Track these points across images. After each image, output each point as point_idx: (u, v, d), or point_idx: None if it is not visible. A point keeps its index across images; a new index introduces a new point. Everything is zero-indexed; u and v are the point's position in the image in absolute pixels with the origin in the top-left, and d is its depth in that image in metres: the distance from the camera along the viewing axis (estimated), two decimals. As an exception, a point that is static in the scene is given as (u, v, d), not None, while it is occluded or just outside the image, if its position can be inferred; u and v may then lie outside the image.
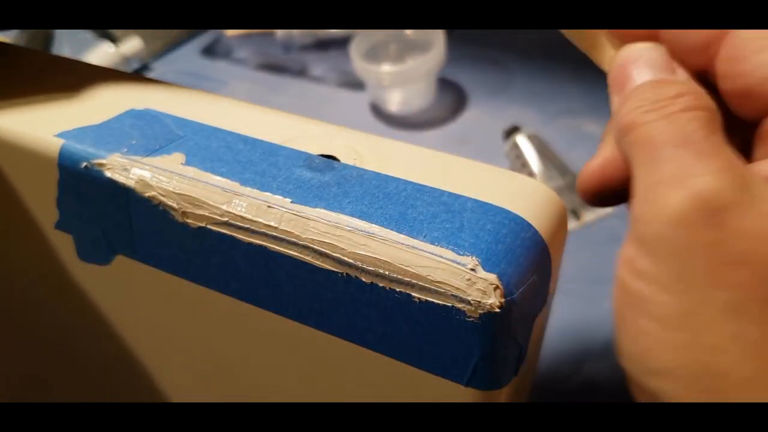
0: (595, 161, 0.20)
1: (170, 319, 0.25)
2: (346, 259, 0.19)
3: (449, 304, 0.18)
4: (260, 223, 0.20)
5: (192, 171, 0.22)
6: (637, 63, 0.20)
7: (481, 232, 0.19)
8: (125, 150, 0.23)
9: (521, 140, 0.66)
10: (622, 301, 0.17)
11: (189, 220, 0.21)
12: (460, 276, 0.18)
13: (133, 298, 0.25)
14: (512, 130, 0.66)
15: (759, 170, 0.18)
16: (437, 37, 0.71)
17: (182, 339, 0.25)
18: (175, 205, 0.21)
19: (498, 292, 0.18)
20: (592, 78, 0.75)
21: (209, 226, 0.21)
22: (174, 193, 0.21)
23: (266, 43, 0.86)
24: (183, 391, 0.28)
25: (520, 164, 0.63)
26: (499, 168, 0.22)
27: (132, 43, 0.80)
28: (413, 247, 0.19)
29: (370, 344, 0.21)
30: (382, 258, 0.19)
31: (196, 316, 0.24)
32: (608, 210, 0.61)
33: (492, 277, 0.18)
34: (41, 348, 0.31)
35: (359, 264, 0.19)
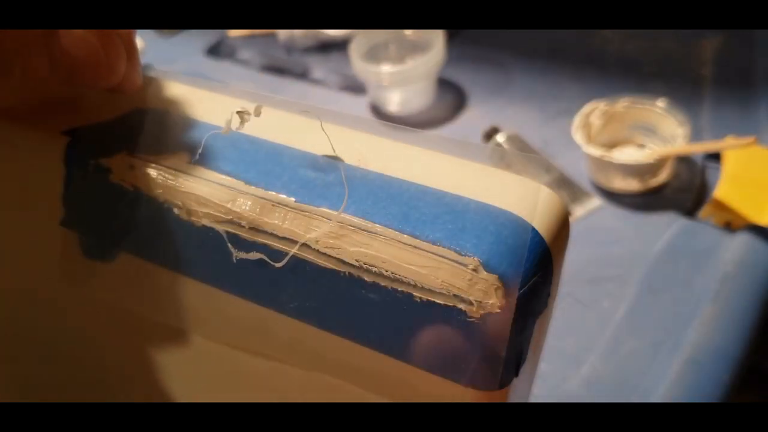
0: None
1: (174, 316, 0.25)
2: (348, 258, 0.19)
3: (450, 304, 0.18)
4: (264, 221, 0.20)
5: (197, 170, 0.22)
6: None
7: (483, 233, 0.19)
8: (131, 148, 0.23)
9: (503, 141, 0.66)
10: None
11: (194, 218, 0.21)
12: (462, 276, 0.18)
13: (136, 295, 0.25)
14: (492, 132, 0.66)
15: None
16: (437, 38, 0.70)
17: (185, 336, 0.25)
18: (179, 204, 0.22)
19: (499, 292, 0.18)
20: (592, 78, 0.75)
21: (214, 225, 0.21)
22: (179, 191, 0.21)
23: (269, 45, 0.86)
24: (185, 390, 0.28)
25: (504, 165, 0.63)
26: (501, 170, 0.22)
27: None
28: (415, 247, 0.19)
29: (370, 343, 0.21)
30: (385, 258, 0.19)
31: (199, 313, 0.24)
32: (596, 203, 0.61)
33: (493, 278, 0.18)
34: (43, 345, 0.31)
35: (362, 263, 0.19)
